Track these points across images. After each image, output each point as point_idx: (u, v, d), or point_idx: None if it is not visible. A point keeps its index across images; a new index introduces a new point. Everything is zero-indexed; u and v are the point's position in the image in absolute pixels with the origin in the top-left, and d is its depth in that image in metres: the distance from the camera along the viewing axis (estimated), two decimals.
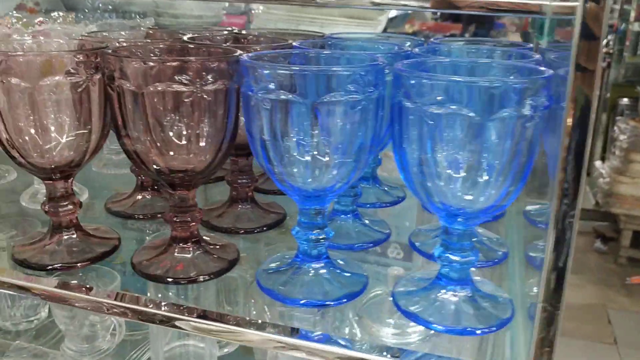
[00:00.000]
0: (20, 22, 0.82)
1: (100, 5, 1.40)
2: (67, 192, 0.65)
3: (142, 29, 0.94)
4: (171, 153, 0.57)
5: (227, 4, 1.58)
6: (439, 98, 0.48)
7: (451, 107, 0.47)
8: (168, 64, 0.53)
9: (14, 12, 1.05)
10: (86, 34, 0.73)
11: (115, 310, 0.58)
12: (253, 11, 1.41)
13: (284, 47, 0.68)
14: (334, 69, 0.51)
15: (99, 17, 1.27)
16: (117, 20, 0.92)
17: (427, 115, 0.49)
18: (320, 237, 0.59)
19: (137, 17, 1.40)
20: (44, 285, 0.60)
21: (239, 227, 0.73)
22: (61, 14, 0.94)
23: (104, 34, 0.77)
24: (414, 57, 0.62)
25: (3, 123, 0.58)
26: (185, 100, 0.54)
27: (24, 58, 0.56)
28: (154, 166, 0.58)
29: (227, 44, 0.76)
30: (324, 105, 0.51)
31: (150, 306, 0.57)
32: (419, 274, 0.63)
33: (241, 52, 0.58)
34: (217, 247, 0.66)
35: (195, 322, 0.55)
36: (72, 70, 0.57)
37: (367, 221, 0.74)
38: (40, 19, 0.86)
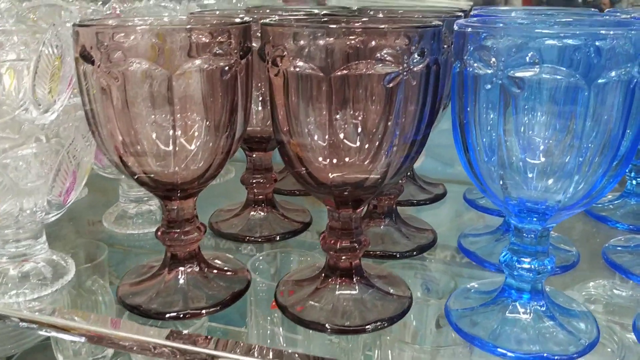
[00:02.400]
0: (94, 6, 0.67)
1: None
2: (191, 215, 0.50)
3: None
4: (348, 159, 0.42)
5: None
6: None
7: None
8: (367, 37, 0.38)
9: None
10: (194, 13, 0.58)
11: None
12: None
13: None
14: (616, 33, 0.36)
15: None
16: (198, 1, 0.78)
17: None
18: (542, 267, 0.45)
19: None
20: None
21: None
22: None
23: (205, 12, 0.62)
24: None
25: (117, 123, 0.44)
26: (388, 84, 0.39)
27: (150, 34, 0.41)
28: (327, 175, 0.43)
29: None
30: (604, 86, 0.36)
31: None
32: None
33: (438, 22, 0.43)
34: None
35: None
36: (218, 51, 0.42)
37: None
38: (113, 4, 0.71)
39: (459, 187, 0.75)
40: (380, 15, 0.61)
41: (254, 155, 0.62)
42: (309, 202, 0.70)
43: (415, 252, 0.59)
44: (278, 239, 0.62)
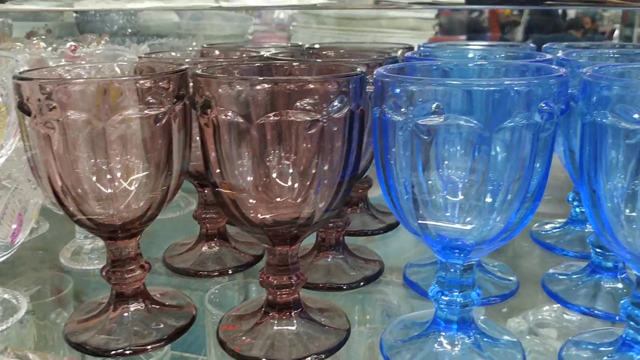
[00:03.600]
0: (50, 48, 0.69)
1: (118, 29, 1.27)
2: (134, 253, 0.51)
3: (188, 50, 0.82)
4: (279, 199, 0.44)
5: (255, 23, 1.46)
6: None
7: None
8: (289, 86, 0.41)
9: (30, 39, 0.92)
10: (144, 55, 0.60)
11: None
12: (291, 27, 1.29)
13: (391, 62, 0.56)
14: (515, 83, 0.38)
15: (120, 42, 1.15)
16: (158, 40, 0.80)
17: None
18: (468, 300, 0.46)
19: (158, 39, 1.28)
20: None
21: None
22: (93, 36, 0.81)
23: (158, 55, 0.65)
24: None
25: (57, 169, 0.45)
26: (309, 131, 0.42)
27: (85, 87, 0.43)
28: (258, 216, 0.45)
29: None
30: (505, 131, 0.38)
31: None
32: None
33: (361, 68, 0.45)
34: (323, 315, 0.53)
35: None
36: (150, 100, 0.44)
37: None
38: (73, 43, 0.73)
39: None
40: (331, 53, 0.63)
41: (205, 191, 0.64)
42: None
43: (361, 284, 0.60)
44: (230, 272, 0.63)
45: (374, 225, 0.73)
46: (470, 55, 0.62)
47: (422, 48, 0.70)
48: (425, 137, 0.39)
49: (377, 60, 0.56)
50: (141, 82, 0.44)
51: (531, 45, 0.68)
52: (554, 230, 0.71)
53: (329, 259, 0.62)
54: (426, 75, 0.49)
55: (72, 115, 0.43)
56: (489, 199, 0.41)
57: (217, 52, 0.68)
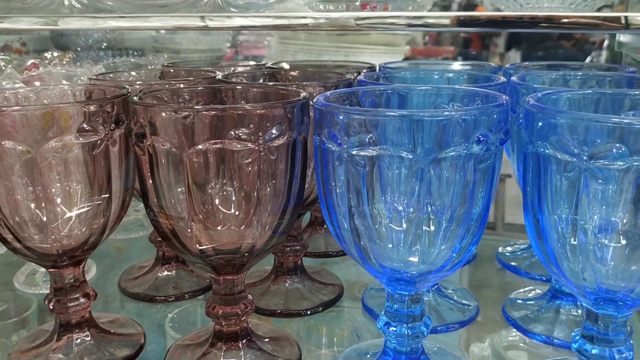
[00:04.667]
0: (10, 65, 0.68)
1: (93, 43, 1.26)
2: (78, 281, 0.50)
3: (150, 67, 0.81)
4: (219, 227, 0.43)
5: (230, 37, 1.46)
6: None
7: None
8: (223, 114, 0.39)
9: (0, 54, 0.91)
10: (94, 77, 0.59)
11: None
12: (265, 42, 1.28)
13: (347, 84, 0.55)
14: (455, 114, 0.37)
15: (94, 56, 1.14)
16: (119, 58, 0.79)
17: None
18: (417, 331, 0.45)
19: (133, 53, 1.26)
20: None
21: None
22: (55, 54, 0.80)
23: (111, 75, 0.64)
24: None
25: None
26: (244, 161, 0.40)
27: (20, 113, 0.42)
28: (197, 246, 0.44)
29: (264, 81, 0.63)
30: (443, 161, 0.37)
31: None
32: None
33: (304, 94, 0.44)
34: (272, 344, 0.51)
35: None
36: (86, 127, 0.43)
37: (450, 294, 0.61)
38: (34, 61, 0.72)
39: None
40: (294, 73, 0.63)
41: None
42: None
43: (319, 309, 0.59)
44: (187, 297, 0.62)
45: (337, 246, 0.72)
46: (431, 76, 0.61)
47: (384, 69, 0.69)
48: (361, 169, 0.38)
49: (334, 83, 0.55)
50: (79, 107, 0.43)
51: (492, 65, 0.67)
52: (520, 253, 0.70)
53: (287, 284, 0.61)
54: (377, 100, 0.48)
55: (7, 143, 0.42)
56: (431, 227, 0.39)
57: (173, 72, 0.67)
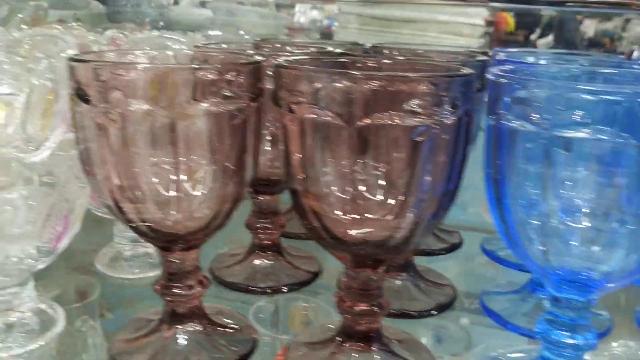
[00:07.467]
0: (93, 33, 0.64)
1: (150, 22, 1.22)
2: (194, 267, 0.45)
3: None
4: (369, 215, 0.38)
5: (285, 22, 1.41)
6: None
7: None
8: (394, 87, 0.34)
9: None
10: (202, 44, 0.54)
11: None
12: (333, 27, 1.23)
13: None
14: None
15: None
16: (201, 33, 0.74)
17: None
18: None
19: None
20: None
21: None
22: (132, 25, 0.75)
23: (213, 46, 0.59)
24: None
25: (114, 165, 0.39)
26: (416, 138, 0.35)
27: (152, 74, 0.37)
28: (348, 231, 0.39)
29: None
30: None
31: None
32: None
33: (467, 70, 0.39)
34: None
35: None
36: (229, 94, 0.38)
37: None
38: (113, 30, 0.67)
39: (474, 235, 0.71)
40: (399, 55, 0.57)
41: (260, 199, 0.58)
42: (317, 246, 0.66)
43: (435, 311, 0.54)
44: (285, 290, 0.57)
45: (436, 244, 0.67)
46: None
47: (500, 54, 0.63)
48: (563, 152, 0.33)
49: (462, 62, 0.50)
50: (219, 73, 0.38)
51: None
52: None
53: (398, 282, 0.56)
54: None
55: (136, 104, 0.37)
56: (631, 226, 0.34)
57: (269, 47, 0.62)
